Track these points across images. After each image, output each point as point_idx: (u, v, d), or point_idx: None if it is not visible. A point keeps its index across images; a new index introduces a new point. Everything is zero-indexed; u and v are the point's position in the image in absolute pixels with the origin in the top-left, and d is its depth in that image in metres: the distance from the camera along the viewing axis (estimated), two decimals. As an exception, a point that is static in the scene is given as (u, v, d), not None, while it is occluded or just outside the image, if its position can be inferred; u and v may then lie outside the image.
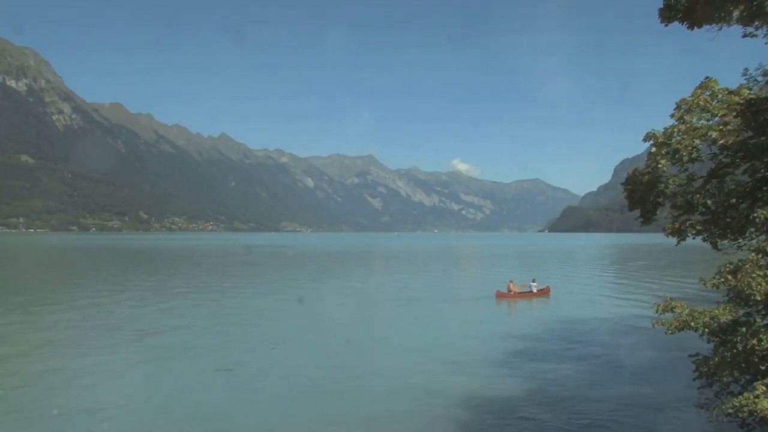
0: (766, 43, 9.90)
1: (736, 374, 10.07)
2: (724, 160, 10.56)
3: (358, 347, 25.88)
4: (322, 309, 39.09)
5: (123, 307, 37.60)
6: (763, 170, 10.20)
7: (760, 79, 10.72)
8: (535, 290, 43.26)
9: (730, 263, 10.36)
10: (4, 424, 15.24)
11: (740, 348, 9.56)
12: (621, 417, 15.69)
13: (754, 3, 9.21)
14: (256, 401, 17.60)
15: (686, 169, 10.68)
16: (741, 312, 10.23)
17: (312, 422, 15.76)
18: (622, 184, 11.55)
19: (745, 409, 8.99)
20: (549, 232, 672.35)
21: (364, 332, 29.86)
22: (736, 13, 9.48)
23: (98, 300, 40.50)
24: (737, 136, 10.05)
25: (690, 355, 11.28)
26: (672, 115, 10.66)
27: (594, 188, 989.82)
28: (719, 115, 10.25)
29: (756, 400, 8.88)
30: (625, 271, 78.46)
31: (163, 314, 34.52)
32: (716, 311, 10.39)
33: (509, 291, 42.75)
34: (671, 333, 10.71)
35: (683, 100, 10.58)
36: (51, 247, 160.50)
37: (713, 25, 9.84)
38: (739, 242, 10.69)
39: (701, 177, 10.85)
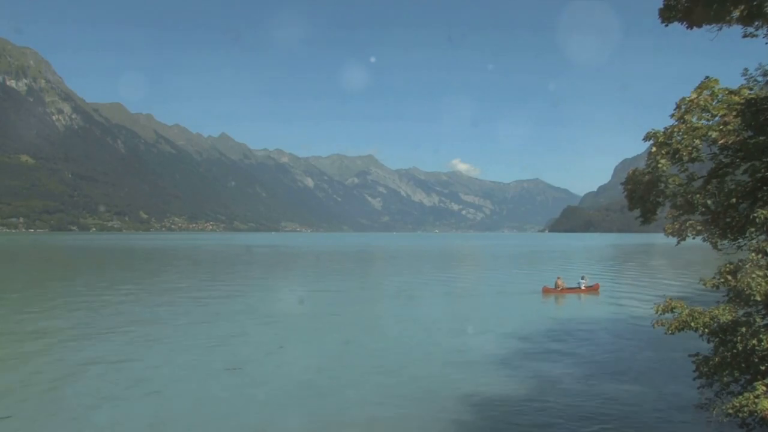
0: (766, 43, 9.91)
1: (736, 374, 10.08)
2: (724, 160, 10.56)
3: (387, 345, 25.78)
4: (346, 307, 38.75)
5: (127, 307, 37.50)
6: (763, 170, 10.19)
7: (760, 79, 10.72)
8: (583, 287, 43.04)
9: (730, 263, 10.37)
10: (7, 422, 15.24)
11: (740, 348, 9.57)
12: (621, 417, 15.68)
13: (754, 3, 9.21)
14: (265, 400, 17.63)
15: (686, 169, 10.68)
16: (741, 312, 10.24)
17: (319, 421, 15.75)
18: (622, 184, 11.56)
19: (745, 409, 8.99)
20: (549, 232, 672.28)
21: (401, 329, 29.74)
22: (736, 13, 9.48)
23: (101, 300, 40.44)
24: (737, 136, 10.04)
25: (690, 355, 11.28)
26: (672, 115, 10.66)
27: (594, 188, 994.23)
28: (719, 115, 10.25)
29: (756, 400, 8.88)
30: (663, 269, 75.25)
31: (167, 314, 34.45)
32: (716, 311, 10.39)
33: (557, 287, 42.67)
34: (671, 333, 10.72)
35: (683, 99, 10.57)
36: (51, 248, 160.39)
37: (713, 25, 9.85)
38: (739, 242, 10.70)
39: (701, 177, 10.84)
